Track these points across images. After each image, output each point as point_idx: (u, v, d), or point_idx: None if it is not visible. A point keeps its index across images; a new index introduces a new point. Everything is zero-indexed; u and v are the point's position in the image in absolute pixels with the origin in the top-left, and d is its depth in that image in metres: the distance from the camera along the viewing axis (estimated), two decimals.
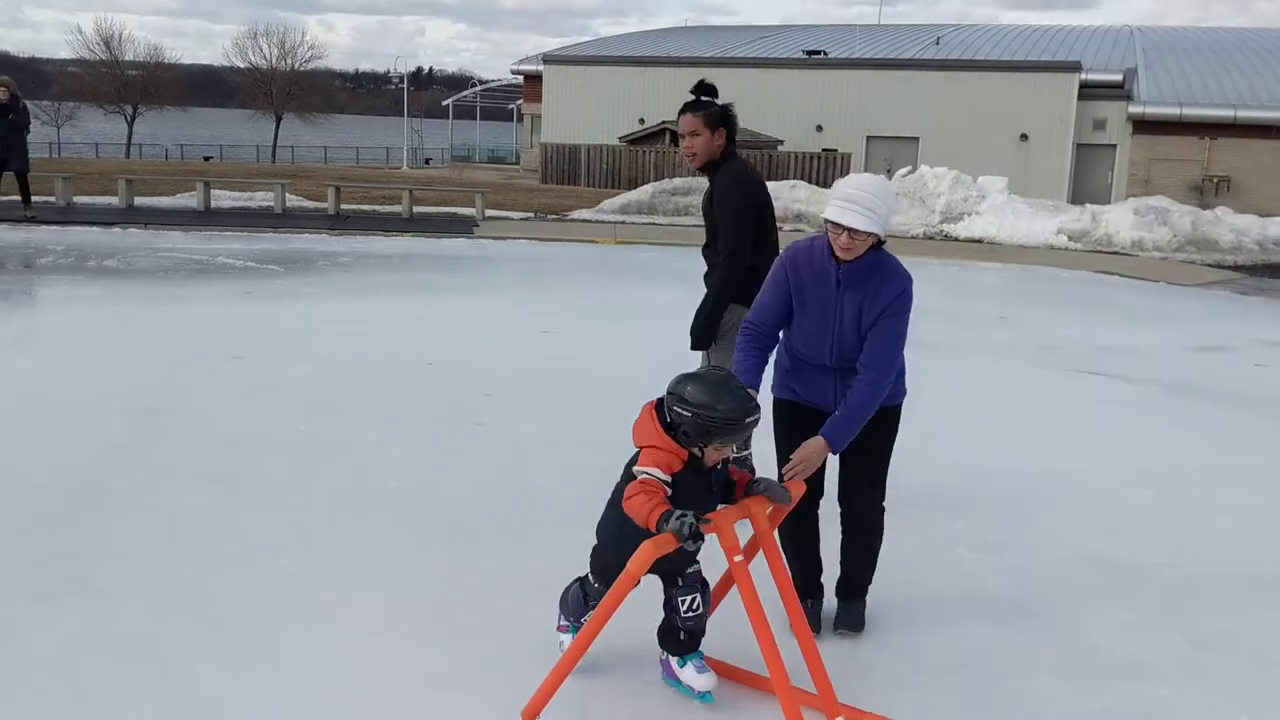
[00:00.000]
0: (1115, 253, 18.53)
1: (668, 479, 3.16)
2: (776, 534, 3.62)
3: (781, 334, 3.99)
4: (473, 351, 8.87)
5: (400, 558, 4.66)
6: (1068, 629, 4.21)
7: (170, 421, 6.55)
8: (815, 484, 3.92)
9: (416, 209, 20.62)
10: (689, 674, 3.51)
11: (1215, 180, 36.21)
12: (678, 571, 3.44)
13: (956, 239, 19.99)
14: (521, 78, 49.55)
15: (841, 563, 4.10)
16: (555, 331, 9.92)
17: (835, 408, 3.88)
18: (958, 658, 3.93)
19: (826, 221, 3.64)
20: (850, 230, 3.56)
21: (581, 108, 41.53)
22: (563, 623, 3.71)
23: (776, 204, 22.75)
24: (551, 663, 3.36)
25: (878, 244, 3.68)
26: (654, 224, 21.26)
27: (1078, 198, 33.29)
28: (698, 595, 3.47)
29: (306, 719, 3.39)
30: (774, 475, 3.81)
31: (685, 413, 3.13)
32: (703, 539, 3.02)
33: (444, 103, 61.40)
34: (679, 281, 13.96)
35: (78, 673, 3.60)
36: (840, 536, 4.07)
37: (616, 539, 3.33)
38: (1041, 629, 4.20)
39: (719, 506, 3.34)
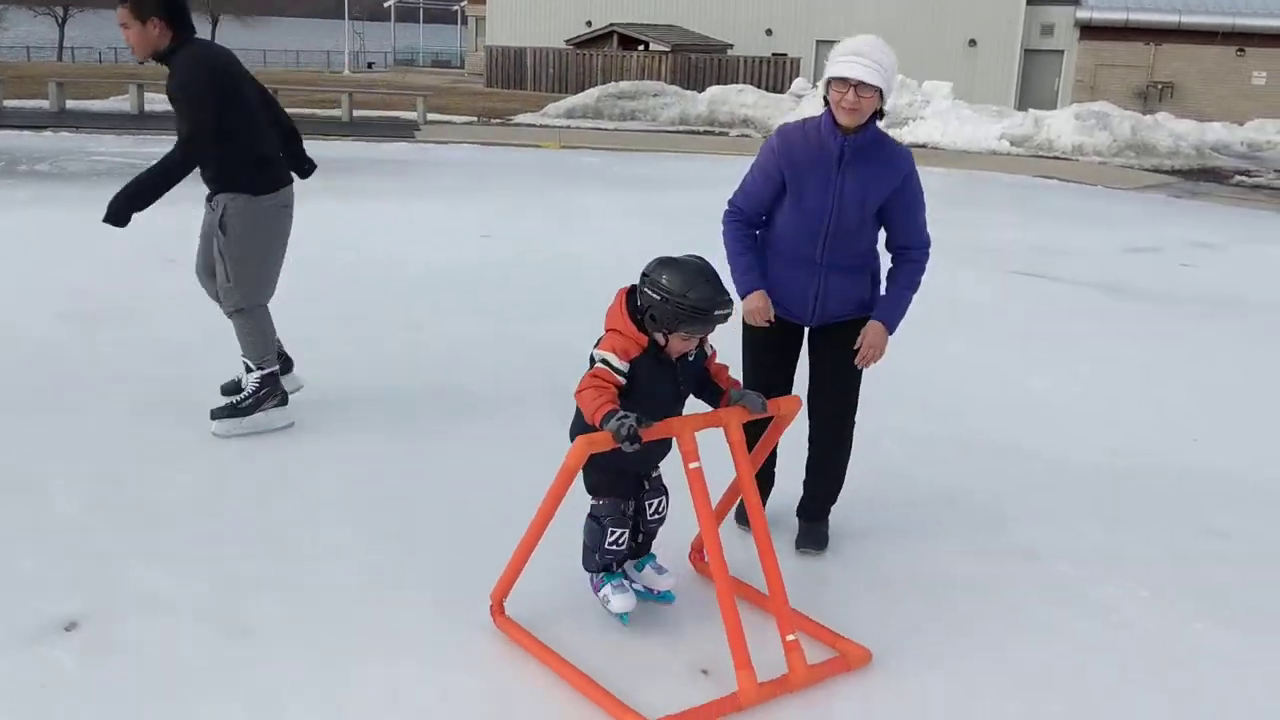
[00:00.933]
0: (1056, 157, 18.71)
1: (623, 366, 3.08)
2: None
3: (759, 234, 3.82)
4: (413, 254, 8.82)
5: (339, 452, 4.71)
6: (989, 517, 4.36)
7: (104, 323, 6.49)
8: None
9: (357, 113, 20.28)
10: (649, 576, 3.48)
11: (1160, 86, 36.39)
12: (645, 475, 3.41)
13: (902, 144, 20.03)
14: None
15: (809, 483, 4.01)
16: (495, 235, 9.88)
17: (812, 321, 3.79)
18: (879, 545, 4.06)
19: (830, 81, 3.48)
20: (857, 85, 3.41)
21: (527, 10, 40.62)
22: (594, 581, 3.44)
23: (723, 109, 22.54)
24: (500, 547, 3.42)
25: (879, 114, 3.53)
26: (599, 128, 21.08)
27: (1025, 103, 33.32)
28: (663, 499, 3.45)
29: (245, 608, 3.45)
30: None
31: (655, 296, 3.04)
32: (639, 441, 2.93)
33: (386, 4, 59.77)
34: (623, 186, 13.97)
35: (13, 566, 3.64)
36: (807, 454, 3.99)
37: (583, 430, 3.19)
38: (963, 517, 4.35)
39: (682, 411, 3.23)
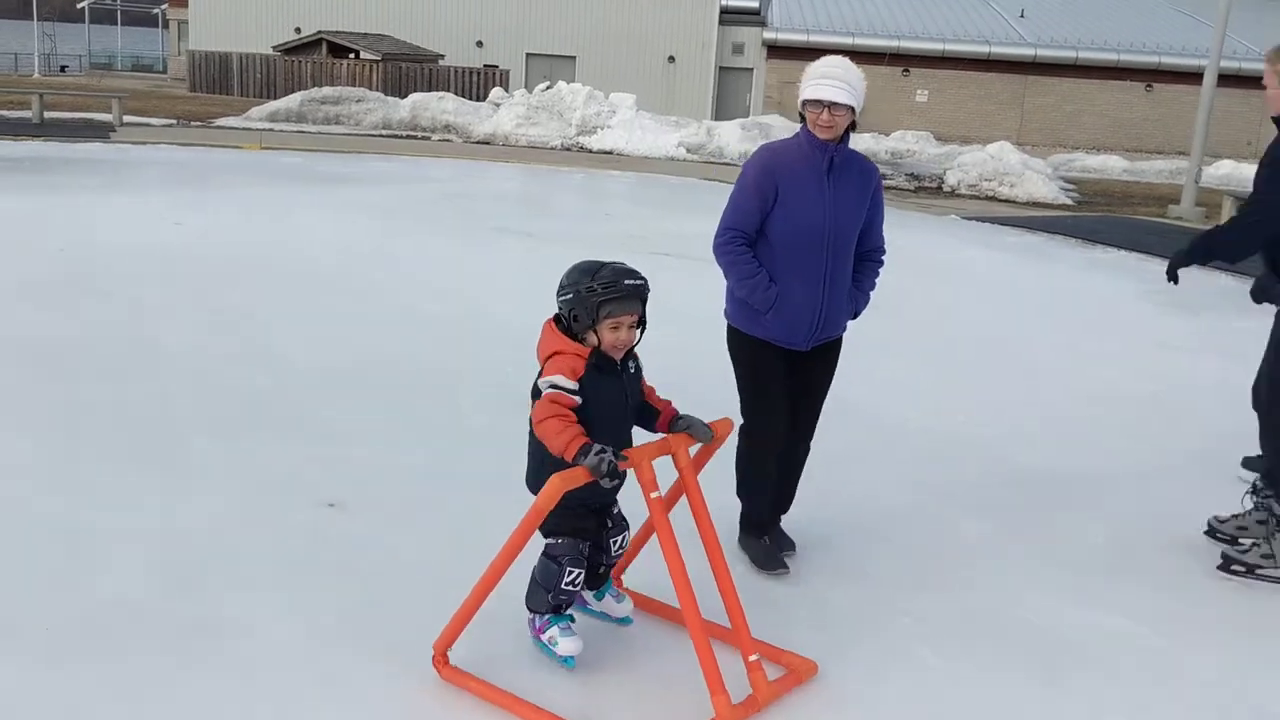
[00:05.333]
0: (725, 163, 20.87)
1: (574, 386, 3.03)
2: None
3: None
4: (105, 239, 9.48)
5: (28, 385, 5.58)
6: None
7: None
8: (772, 418, 3.97)
9: (48, 114, 20.04)
10: (609, 604, 3.48)
11: None
12: (605, 511, 3.34)
13: (590, 150, 21.74)
14: None
15: (785, 493, 4.20)
16: (188, 224, 10.61)
17: (808, 343, 3.90)
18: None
19: (805, 103, 3.73)
20: (830, 106, 3.66)
21: (233, 14, 40.07)
22: (539, 623, 3.31)
23: (425, 114, 23.49)
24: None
25: (852, 126, 3.77)
26: (302, 131, 21.69)
27: (721, 116, 35.96)
28: (626, 534, 3.42)
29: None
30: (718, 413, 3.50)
31: (569, 295, 3.07)
32: (621, 476, 2.94)
33: (80, 5, 56.98)
34: (323, 182, 14.78)
35: None
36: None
37: (544, 474, 3.02)
38: None
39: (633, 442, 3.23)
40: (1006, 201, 18.15)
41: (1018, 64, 39.89)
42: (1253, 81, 27.33)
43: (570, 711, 3.03)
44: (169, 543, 3.95)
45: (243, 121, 22.54)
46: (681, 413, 3.27)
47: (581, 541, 3.23)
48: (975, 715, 3.25)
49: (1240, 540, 4.41)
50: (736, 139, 21.52)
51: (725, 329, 4.04)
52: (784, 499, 4.20)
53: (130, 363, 6.09)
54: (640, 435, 3.26)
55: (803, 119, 3.78)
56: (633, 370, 3.21)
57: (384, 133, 22.72)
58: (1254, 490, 4.44)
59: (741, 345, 3.97)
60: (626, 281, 3.05)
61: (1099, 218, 16.45)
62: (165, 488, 4.43)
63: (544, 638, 3.27)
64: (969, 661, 3.53)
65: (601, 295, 3.02)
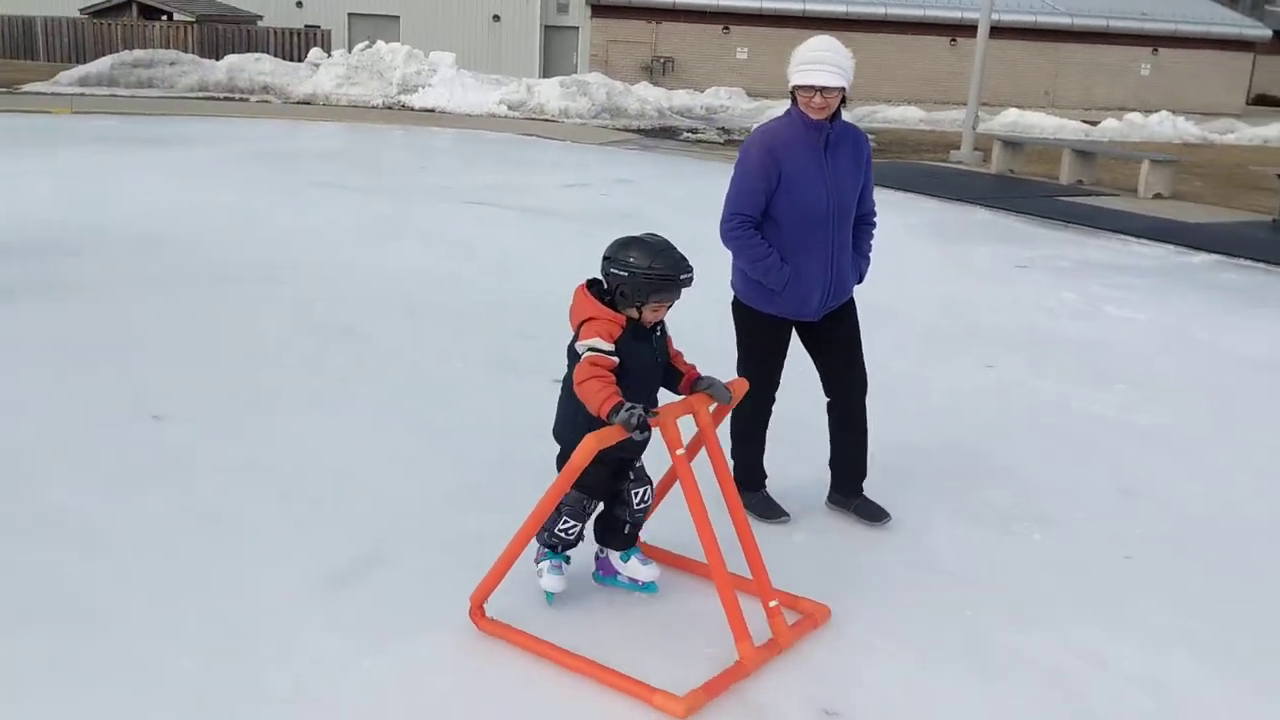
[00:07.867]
0: (546, 119, 21.51)
1: (611, 348, 3.18)
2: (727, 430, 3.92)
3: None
4: None
5: None
6: (392, 354, 6.42)
7: None
8: (772, 382, 4.13)
9: None
10: (634, 567, 3.57)
11: (662, 60, 40.71)
12: (629, 465, 3.48)
13: (412, 109, 22.06)
14: None
15: (848, 458, 4.23)
16: (1, 189, 10.74)
17: (819, 313, 4.02)
18: None
19: (795, 89, 3.81)
20: (822, 89, 3.75)
21: None
22: (537, 553, 3.51)
23: (243, 76, 23.37)
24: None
25: (843, 102, 3.85)
26: (114, 95, 21.37)
27: (549, 75, 36.26)
28: (648, 487, 3.53)
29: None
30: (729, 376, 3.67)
31: (623, 273, 3.19)
32: (650, 430, 3.09)
33: None
34: (137, 146, 14.81)
35: None
36: (832, 432, 4.25)
37: (573, 429, 3.26)
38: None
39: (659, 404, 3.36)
40: None
41: (831, 21, 41.08)
42: (1051, 34, 29.28)
43: (600, 657, 3.18)
44: (7, 453, 4.51)
45: (51, 87, 22.01)
46: (702, 375, 3.43)
47: (587, 498, 3.42)
48: (977, 657, 3.41)
49: None
50: (556, 95, 22.18)
51: (731, 301, 4.14)
52: (860, 467, 4.26)
53: None
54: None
55: (793, 99, 3.87)
56: (659, 333, 3.37)
57: (200, 95, 22.52)
58: None
59: (752, 321, 4.08)
60: (682, 277, 3.21)
61: (885, 163, 17.75)
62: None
63: (537, 567, 3.50)
64: (972, 605, 3.68)
65: (657, 284, 3.20)
